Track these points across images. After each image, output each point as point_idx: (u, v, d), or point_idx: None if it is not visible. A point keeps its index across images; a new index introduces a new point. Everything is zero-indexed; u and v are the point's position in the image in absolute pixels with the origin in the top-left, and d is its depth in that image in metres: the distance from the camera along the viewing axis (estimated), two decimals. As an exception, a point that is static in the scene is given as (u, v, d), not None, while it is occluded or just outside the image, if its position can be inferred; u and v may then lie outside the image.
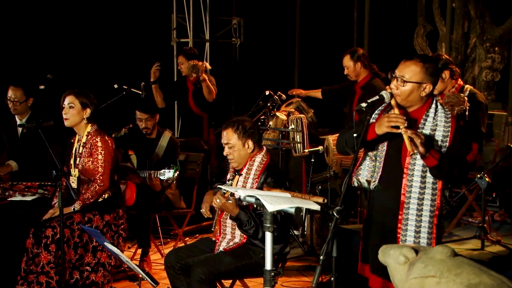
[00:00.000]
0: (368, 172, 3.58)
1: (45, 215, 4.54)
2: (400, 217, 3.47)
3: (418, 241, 3.45)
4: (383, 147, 3.53)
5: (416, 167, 3.46)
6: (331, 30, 9.26)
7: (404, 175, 3.47)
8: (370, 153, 3.59)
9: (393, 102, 3.43)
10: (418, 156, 3.39)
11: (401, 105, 3.46)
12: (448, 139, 3.41)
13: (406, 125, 3.30)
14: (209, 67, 7.12)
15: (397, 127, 3.31)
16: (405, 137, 3.29)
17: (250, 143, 4.10)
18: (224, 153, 4.16)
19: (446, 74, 4.95)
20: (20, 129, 5.84)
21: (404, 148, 3.39)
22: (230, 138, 4.10)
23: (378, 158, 3.55)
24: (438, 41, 8.14)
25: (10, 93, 5.79)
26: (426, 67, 3.41)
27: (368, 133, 3.44)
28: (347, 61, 6.02)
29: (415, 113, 3.49)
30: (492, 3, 7.88)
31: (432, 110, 3.47)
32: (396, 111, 3.41)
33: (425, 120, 3.46)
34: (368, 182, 3.57)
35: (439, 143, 3.42)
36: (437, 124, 3.43)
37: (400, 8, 9.07)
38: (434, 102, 3.49)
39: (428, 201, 3.45)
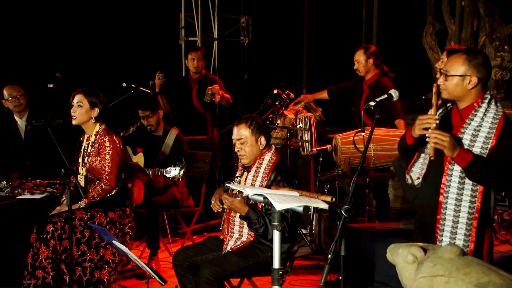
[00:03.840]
0: (419, 169, 3.56)
1: (52, 211, 4.56)
2: (438, 217, 3.42)
3: (454, 242, 3.36)
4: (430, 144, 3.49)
5: (455, 166, 3.38)
6: (340, 29, 9.24)
7: (444, 174, 3.41)
8: (422, 151, 3.57)
9: (433, 101, 3.39)
10: None
11: (450, 99, 3.43)
12: (491, 140, 3.31)
13: (435, 125, 3.29)
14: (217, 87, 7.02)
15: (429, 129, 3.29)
16: (429, 141, 3.29)
17: (263, 139, 4.09)
18: (235, 149, 4.13)
19: None
20: (22, 128, 5.83)
21: None
22: (243, 133, 4.07)
23: (426, 156, 3.51)
24: (447, 39, 8.10)
25: (9, 92, 5.74)
26: (469, 59, 3.34)
27: (407, 137, 3.46)
28: (360, 56, 6.00)
29: (465, 110, 3.41)
30: (501, 1, 7.84)
31: (483, 106, 3.37)
32: (431, 111, 3.37)
33: (472, 119, 3.37)
34: (418, 179, 3.56)
35: (481, 144, 3.32)
36: (482, 124, 3.34)
37: (409, 7, 9.04)
38: (488, 98, 3.39)
39: (467, 203, 3.35)
